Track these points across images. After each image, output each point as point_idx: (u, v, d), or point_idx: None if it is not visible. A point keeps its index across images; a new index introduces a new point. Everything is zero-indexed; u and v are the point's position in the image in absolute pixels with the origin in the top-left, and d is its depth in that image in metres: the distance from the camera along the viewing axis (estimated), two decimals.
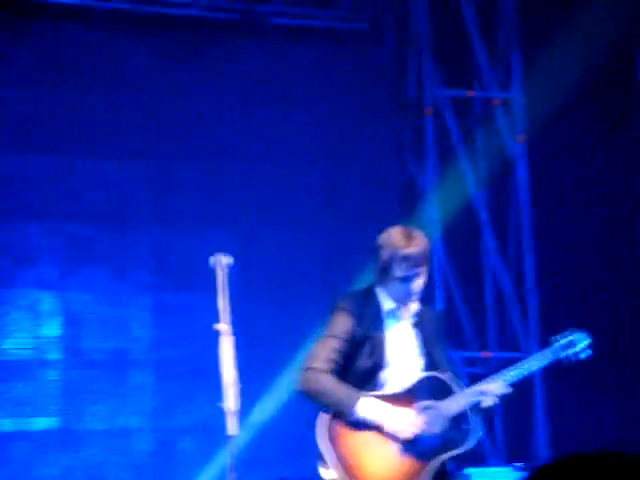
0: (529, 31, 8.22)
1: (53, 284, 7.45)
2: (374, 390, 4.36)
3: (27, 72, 7.56)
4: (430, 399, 4.34)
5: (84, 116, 7.62)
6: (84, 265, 7.50)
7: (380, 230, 4.64)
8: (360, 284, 4.96)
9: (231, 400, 3.96)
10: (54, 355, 7.40)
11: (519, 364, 4.56)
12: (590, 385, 7.48)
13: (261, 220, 7.81)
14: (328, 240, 7.86)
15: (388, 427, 4.27)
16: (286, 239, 7.82)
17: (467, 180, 8.10)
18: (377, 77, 8.25)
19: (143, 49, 7.78)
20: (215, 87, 7.89)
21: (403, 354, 4.44)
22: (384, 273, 4.47)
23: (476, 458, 7.13)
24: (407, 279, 4.43)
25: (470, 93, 8.38)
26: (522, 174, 8.20)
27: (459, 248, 8.00)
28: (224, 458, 6.75)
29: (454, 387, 4.39)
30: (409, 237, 4.47)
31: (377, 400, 4.29)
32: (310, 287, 7.62)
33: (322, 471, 4.29)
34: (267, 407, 7.22)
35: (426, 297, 4.76)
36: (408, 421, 4.29)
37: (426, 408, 4.34)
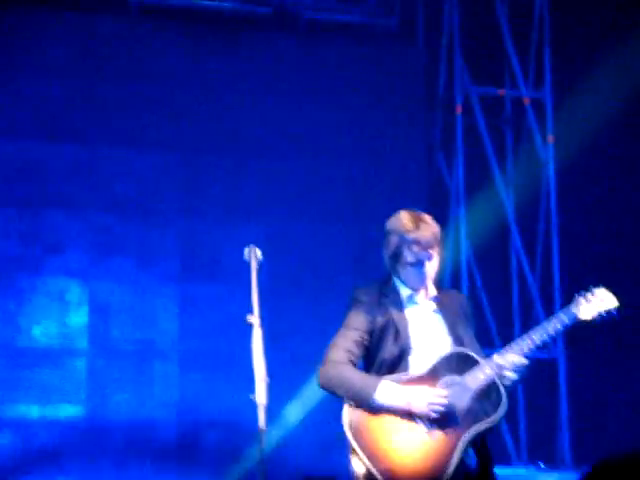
0: (561, 31, 8.20)
1: (81, 273, 7.49)
2: None
3: (58, 63, 7.61)
4: (456, 374, 4.28)
5: (114, 107, 7.65)
6: (112, 255, 7.54)
7: None
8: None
9: (262, 394, 3.95)
10: (81, 344, 7.44)
11: (538, 328, 4.33)
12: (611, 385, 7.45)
13: (289, 215, 7.82)
14: (355, 237, 7.87)
15: (412, 408, 4.22)
16: (313, 235, 7.83)
17: (496, 179, 8.08)
18: (408, 74, 8.24)
19: (175, 43, 7.81)
20: (246, 81, 7.91)
21: (429, 337, 4.38)
22: (395, 259, 4.42)
23: (500, 458, 7.12)
24: (418, 263, 4.37)
25: (501, 92, 8.36)
26: (551, 174, 8.17)
27: (486, 248, 7.97)
28: (251, 453, 6.84)
29: (479, 359, 4.31)
30: (417, 220, 4.38)
31: (396, 384, 4.24)
32: (336, 284, 7.62)
33: (354, 462, 4.26)
34: (297, 404, 7.23)
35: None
36: (431, 399, 4.22)
37: (451, 383, 4.28)
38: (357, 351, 4.35)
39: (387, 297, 4.43)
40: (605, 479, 1.96)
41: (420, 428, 4.23)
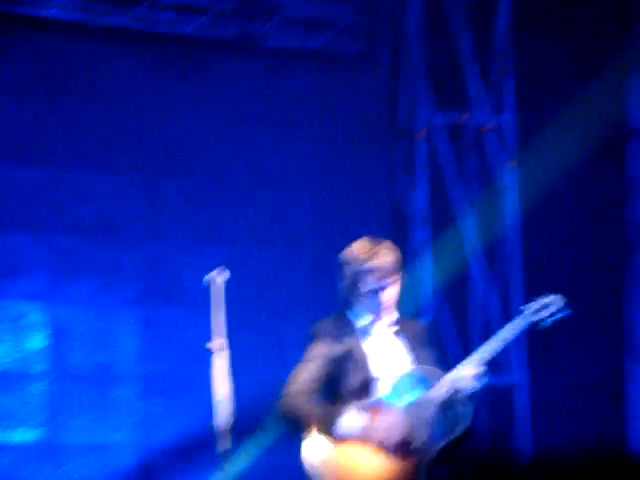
0: (522, 57, 8.28)
1: (42, 296, 7.44)
2: None
3: (21, 84, 7.57)
4: (416, 393, 4.26)
5: (77, 129, 7.62)
6: (73, 278, 7.49)
7: None
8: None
9: (222, 418, 3.92)
10: (40, 367, 7.37)
11: (493, 338, 4.40)
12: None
13: (252, 238, 7.81)
14: (317, 260, 7.87)
15: (371, 438, 4.21)
16: (275, 257, 7.83)
17: (457, 205, 8.12)
18: (370, 100, 8.28)
19: (139, 66, 7.80)
20: (209, 105, 7.91)
21: (391, 363, 4.38)
22: (351, 290, 4.40)
23: None
24: (376, 292, 4.37)
25: (462, 118, 8.41)
26: (513, 200, 8.22)
27: (450, 275, 7.99)
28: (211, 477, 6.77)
29: (435, 378, 4.30)
30: (373, 249, 4.37)
31: (356, 413, 4.22)
32: (297, 306, 7.62)
33: None
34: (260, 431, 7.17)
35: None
36: (390, 426, 4.21)
37: (409, 406, 4.27)
38: (317, 381, 4.32)
39: (342, 330, 4.41)
40: None
41: (382, 455, 4.22)
